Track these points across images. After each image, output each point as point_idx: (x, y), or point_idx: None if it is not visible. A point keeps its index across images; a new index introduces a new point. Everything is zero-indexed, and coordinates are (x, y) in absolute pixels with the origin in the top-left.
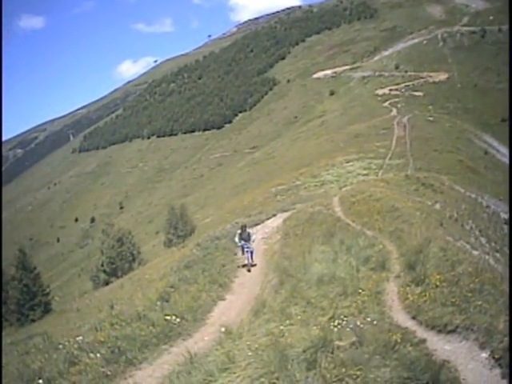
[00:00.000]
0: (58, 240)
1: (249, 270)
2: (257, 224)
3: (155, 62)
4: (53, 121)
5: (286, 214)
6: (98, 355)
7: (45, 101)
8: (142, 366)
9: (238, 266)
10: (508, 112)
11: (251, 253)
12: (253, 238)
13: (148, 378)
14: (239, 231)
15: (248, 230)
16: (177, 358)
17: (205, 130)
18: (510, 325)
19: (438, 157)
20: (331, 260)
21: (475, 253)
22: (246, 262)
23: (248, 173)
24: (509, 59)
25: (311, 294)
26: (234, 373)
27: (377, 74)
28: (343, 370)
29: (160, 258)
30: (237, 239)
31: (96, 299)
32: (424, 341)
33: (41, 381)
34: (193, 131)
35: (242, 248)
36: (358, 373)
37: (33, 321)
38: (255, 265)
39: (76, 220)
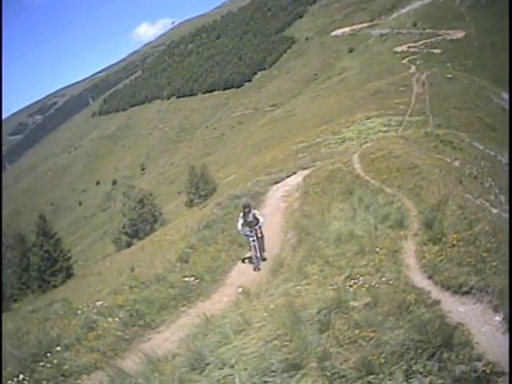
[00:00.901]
0: (80, 204)
1: (256, 269)
2: (277, 182)
3: (172, 23)
4: (71, 86)
5: (306, 172)
6: (117, 319)
7: (63, 66)
8: (160, 329)
9: (244, 260)
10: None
11: (258, 241)
12: (261, 220)
13: (165, 342)
14: (241, 213)
15: (254, 211)
16: (194, 320)
17: (224, 89)
18: (510, 323)
19: (457, 114)
20: (350, 218)
21: (494, 211)
22: (251, 255)
23: (269, 131)
24: (509, 56)
25: (329, 253)
26: (249, 335)
27: (395, 31)
28: (357, 331)
29: (181, 219)
30: (239, 225)
31: (117, 262)
32: (438, 302)
33: (59, 348)
34: (212, 91)
35: (248, 238)
36: (372, 334)
37: (54, 287)
38: (265, 259)
39: (97, 183)
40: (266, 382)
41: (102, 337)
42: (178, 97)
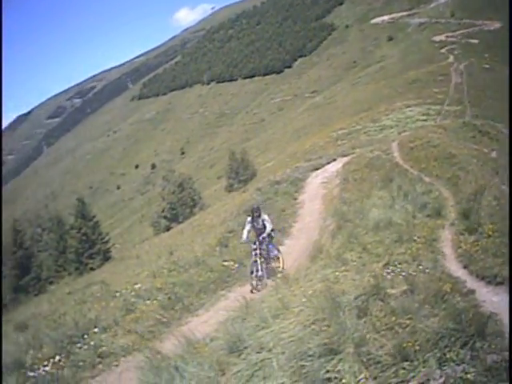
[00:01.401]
0: (118, 187)
1: (253, 290)
2: (317, 168)
3: (212, 8)
4: (110, 70)
5: (345, 159)
6: (155, 302)
7: (102, 51)
8: (199, 313)
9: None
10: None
11: (263, 254)
12: (269, 228)
13: (203, 325)
14: (249, 218)
15: (264, 215)
16: (233, 303)
17: (265, 74)
18: (511, 323)
19: (494, 104)
20: (388, 206)
21: None
22: (252, 274)
23: (308, 117)
24: (509, 56)
25: (367, 240)
26: (287, 319)
27: (433, 20)
28: (393, 318)
29: (221, 203)
30: (245, 233)
31: (156, 245)
32: (473, 291)
33: (96, 329)
34: (253, 76)
35: (256, 248)
36: (408, 322)
37: (92, 269)
38: (283, 272)
39: (136, 167)
40: (303, 366)
41: (140, 319)
42: (218, 82)
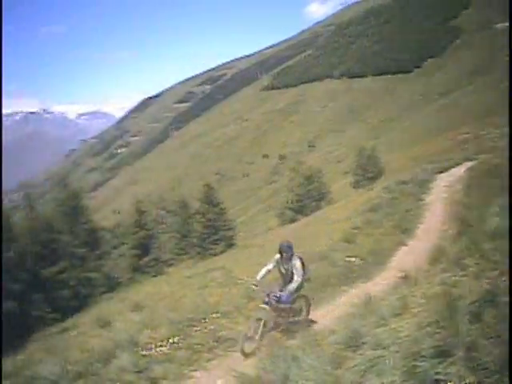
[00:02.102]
0: (245, 175)
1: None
2: (442, 171)
3: (342, 4)
4: (240, 59)
5: (469, 164)
6: None
7: (233, 40)
8: (320, 306)
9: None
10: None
11: (274, 311)
12: (295, 283)
13: (323, 318)
14: (277, 256)
15: (296, 260)
16: (353, 299)
17: (394, 73)
18: (510, 324)
19: None
20: (508, 215)
21: None
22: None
23: (436, 119)
24: (509, 58)
25: (486, 247)
26: (405, 319)
27: None
28: (504, 326)
29: (347, 199)
30: (260, 273)
31: (280, 236)
32: None
33: (216, 314)
34: (382, 74)
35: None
36: None
37: (213, 255)
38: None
39: (264, 156)
40: (415, 366)
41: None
42: (349, 77)
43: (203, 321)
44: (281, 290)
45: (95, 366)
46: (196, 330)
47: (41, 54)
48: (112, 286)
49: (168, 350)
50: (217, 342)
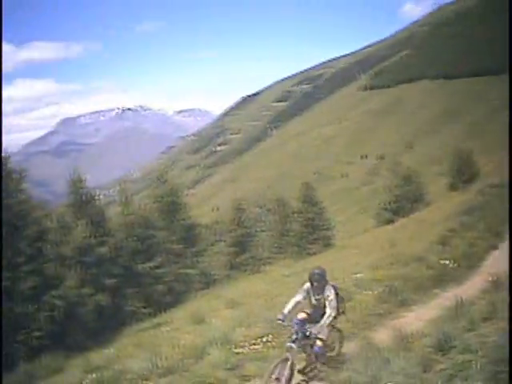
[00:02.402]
0: (343, 176)
1: None
2: None
3: (434, 4)
4: (338, 58)
5: None
6: (373, 293)
7: (328, 40)
8: (412, 308)
9: None
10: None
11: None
12: (328, 317)
13: (415, 320)
14: (306, 285)
15: (329, 289)
16: (445, 302)
17: (488, 74)
18: (510, 324)
19: None
20: None
21: None
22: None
23: None
24: (509, 59)
25: None
26: (494, 324)
27: None
28: None
29: (442, 201)
30: (287, 307)
31: (377, 237)
32: None
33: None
34: (476, 75)
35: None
36: None
37: (311, 254)
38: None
39: (362, 157)
40: (499, 371)
41: (357, 309)
42: (445, 78)
43: None
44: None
45: (186, 362)
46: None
47: (138, 52)
48: (208, 282)
49: (261, 348)
50: None
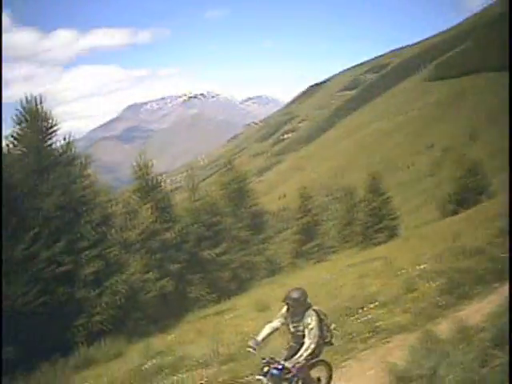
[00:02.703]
0: (409, 166)
1: None
2: None
3: None
4: (403, 48)
5: None
6: (435, 285)
7: (396, 29)
8: (473, 301)
9: None
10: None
11: None
12: (305, 351)
13: (475, 314)
14: (284, 309)
15: (309, 316)
16: (503, 296)
17: None
18: (510, 324)
19: None
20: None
21: None
22: None
23: None
24: (508, 63)
25: None
26: None
27: None
28: None
29: (506, 194)
30: (261, 334)
31: (441, 228)
32: None
33: (374, 304)
34: None
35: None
36: None
37: (375, 244)
38: None
39: (427, 148)
40: None
41: (419, 300)
42: (507, 70)
43: (360, 310)
44: (289, 357)
45: (241, 352)
46: (353, 319)
47: (205, 39)
48: (273, 270)
49: None
50: (372, 332)
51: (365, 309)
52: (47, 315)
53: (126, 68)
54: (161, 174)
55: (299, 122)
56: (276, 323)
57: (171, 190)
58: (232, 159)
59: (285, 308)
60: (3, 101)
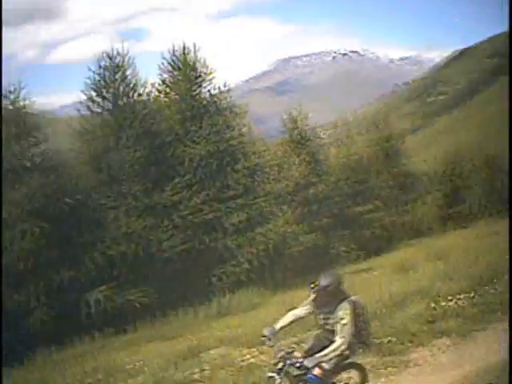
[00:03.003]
0: None
1: None
2: None
3: None
4: None
5: None
6: None
7: None
8: None
9: None
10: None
11: None
12: (337, 348)
13: None
14: (312, 296)
15: (343, 306)
16: None
17: None
18: (510, 324)
19: None
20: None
21: None
22: None
23: None
24: (509, 64)
25: None
26: None
27: None
28: None
29: None
30: (280, 323)
31: None
32: None
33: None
34: None
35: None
36: None
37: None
38: None
39: None
40: None
41: None
42: None
43: (494, 280)
44: (313, 351)
45: (386, 310)
46: (487, 289)
47: None
48: (417, 231)
49: (462, 304)
50: (501, 304)
51: (497, 280)
52: (191, 261)
53: (279, 22)
54: (317, 127)
55: (449, 86)
56: (301, 311)
57: (323, 145)
58: (382, 118)
59: (312, 296)
60: (148, 49)
